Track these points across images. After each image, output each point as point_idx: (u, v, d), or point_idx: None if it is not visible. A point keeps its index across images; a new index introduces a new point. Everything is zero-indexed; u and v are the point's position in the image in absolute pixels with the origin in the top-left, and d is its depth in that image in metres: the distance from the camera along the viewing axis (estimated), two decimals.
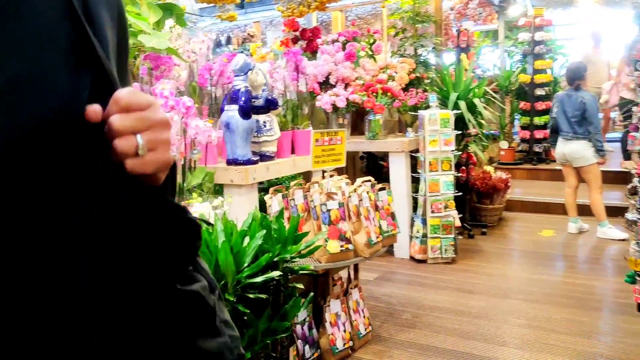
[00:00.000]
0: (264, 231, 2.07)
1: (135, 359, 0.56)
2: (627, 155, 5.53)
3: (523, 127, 7.68)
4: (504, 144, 7.47)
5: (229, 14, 5.86)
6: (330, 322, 2.68)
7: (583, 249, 4.69)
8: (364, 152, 5.33)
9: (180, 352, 0.59)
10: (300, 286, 2.23)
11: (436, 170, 4.29)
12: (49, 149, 0.50)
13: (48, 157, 0.50)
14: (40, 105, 0.50)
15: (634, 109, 3.35)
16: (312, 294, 2.46)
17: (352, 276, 3.01)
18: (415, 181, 4.49)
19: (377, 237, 2.79)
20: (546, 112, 7.04)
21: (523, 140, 7.70)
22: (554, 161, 5.66)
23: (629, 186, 2.89)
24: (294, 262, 2.20)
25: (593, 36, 7.53)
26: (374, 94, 4.38)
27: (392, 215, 2.99)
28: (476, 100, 4.77)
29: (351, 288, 2.91)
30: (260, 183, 2.96)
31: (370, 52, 5.13)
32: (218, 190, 2.71)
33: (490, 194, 5.39)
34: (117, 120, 0.52)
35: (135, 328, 0.55)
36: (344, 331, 2.74)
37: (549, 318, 3.17)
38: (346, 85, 4.44)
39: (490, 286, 3.73)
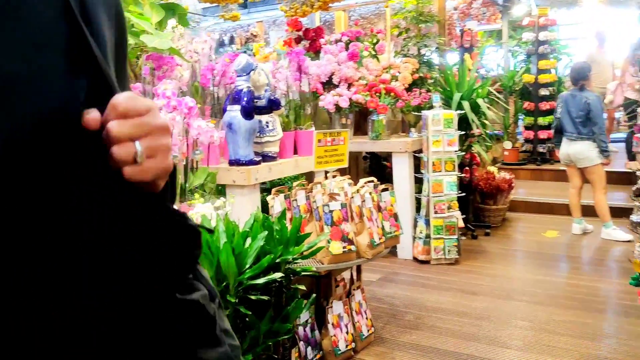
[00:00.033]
0: (266, 232, 2.06)
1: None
2: (631, 156, 5.51)
3: (527, 128, 7.67)
4: (507, 144, 7.45)
5: (232, 13, 5.86)
6: (333, 324, 2.67)
7: (587, 250, 4.67)
8: (367, 153, 5.32)
9: None
10: (303, 287, 2.22)
11: (439, 171, 4.28)
12: (48, 149, 0.50)
13: (47, 157, 0.50)
14: (38, 105, 0.49)
15: (639, 109, 3.34)
16: (314, 295, 2.44)
17: (354, 277, 3.00)
18: (419, 182, 4.47)
19: (380, 238, 2.78)
20: (550, 112, 7.01)
21: (527, 141, 7.68)
22: (558, 161, 5.64)
23: (634, 187, 2.88)
24: (296, 263, 2.19)
25: (597, 36, 7.50)
26: (377, 94, 4.37)
27: (395, 216, 2.98)
28: (480, 101, 4.75)
29: (354, 289, 2.90)
30: (263, 183, 2.96)
31: (373, 52, 5.12)
32: (220, 190, 2.71)
33: (494, 195, 5.38)
34: (114, 127, 0.51)
35: (135, 329, 0.55)
36: (347, 333, 2.73)
37: (553, 320, 3.15)
38: (349, 85, 4.43)
39: (493, 287, 3.71)
